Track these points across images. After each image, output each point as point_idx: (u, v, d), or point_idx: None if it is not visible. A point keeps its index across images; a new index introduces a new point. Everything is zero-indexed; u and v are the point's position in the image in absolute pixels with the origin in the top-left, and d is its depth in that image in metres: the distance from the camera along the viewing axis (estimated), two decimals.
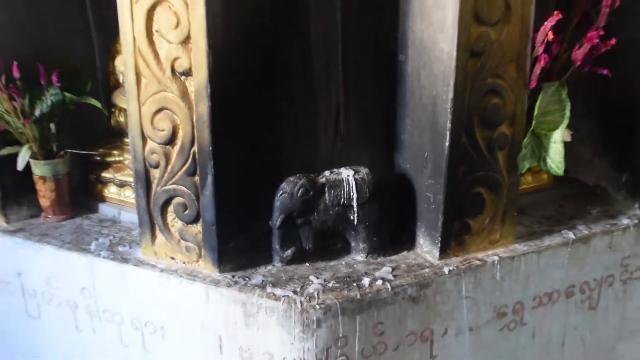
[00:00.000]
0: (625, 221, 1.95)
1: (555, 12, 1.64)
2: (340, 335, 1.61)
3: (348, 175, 1.71)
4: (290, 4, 1.78)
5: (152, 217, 1.72)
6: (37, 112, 1.84)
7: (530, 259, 1.81)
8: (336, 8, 1.89)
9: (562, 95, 1.76)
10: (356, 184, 1.70)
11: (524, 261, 1.80)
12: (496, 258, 1.77)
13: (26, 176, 1.92)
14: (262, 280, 1.66)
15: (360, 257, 1.76)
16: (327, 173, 1.72)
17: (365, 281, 1.65)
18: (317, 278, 1.67)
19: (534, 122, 1.75)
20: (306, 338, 1.59)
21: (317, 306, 1.57)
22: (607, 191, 2.09)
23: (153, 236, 1.74)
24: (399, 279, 1.67)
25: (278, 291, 1.61)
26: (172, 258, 1.73)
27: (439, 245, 1.73)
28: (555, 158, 1.77)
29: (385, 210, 1.75)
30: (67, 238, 1.87)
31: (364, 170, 1.73)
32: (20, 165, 1.85)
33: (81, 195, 2.01)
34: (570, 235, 1.87)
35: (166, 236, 1.73)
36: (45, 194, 1.91)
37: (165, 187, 1.68)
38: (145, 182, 1.70)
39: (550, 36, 1.66)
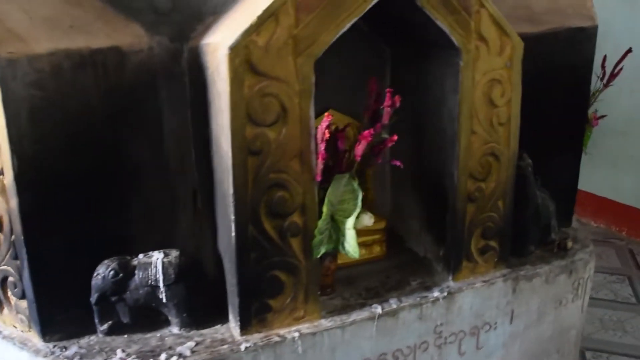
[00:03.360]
0: (436, 294, 1.50)
1: (326, 114, 1.24)
2: None
3: (157, 259, 1.35)
4: (136, 108, 1.44)
5: None
6: None
7: (334, 333, 1.40)
8: (187, 105, 1.54)
9: (354, 186, 1.35)
10: (163, 266, 1.34)
11: (327, 336, 1.39)
12: (297, 334, 1.36)
13: None
14: (76, 352, 1.33)
15: (175, 329, 1.39)
16: (141, 256, 1.38)
17: (163, 357, 1.29)
18: (123, 351, 1.32)
19: (326, 210, 1.33)
20: None
21: None
22: (431, 262, 1.62)
23: (1, 307, 1.43)
24: (196, 355, 1.31)
25: None
26: (15, 327, 1.42)
27: (239, 322, 1.35)
28: (351, 243, 1.36)
29: (197, 289, 1.38)
30: None
31: (174, 254, 1.37)
32: None
33: None
34: (378, 310, 1.44)
35: (8, 308, 1.42)
36: None
37: (1, 268, 1.37)
38: None
39: (327, 134, 1.25)
